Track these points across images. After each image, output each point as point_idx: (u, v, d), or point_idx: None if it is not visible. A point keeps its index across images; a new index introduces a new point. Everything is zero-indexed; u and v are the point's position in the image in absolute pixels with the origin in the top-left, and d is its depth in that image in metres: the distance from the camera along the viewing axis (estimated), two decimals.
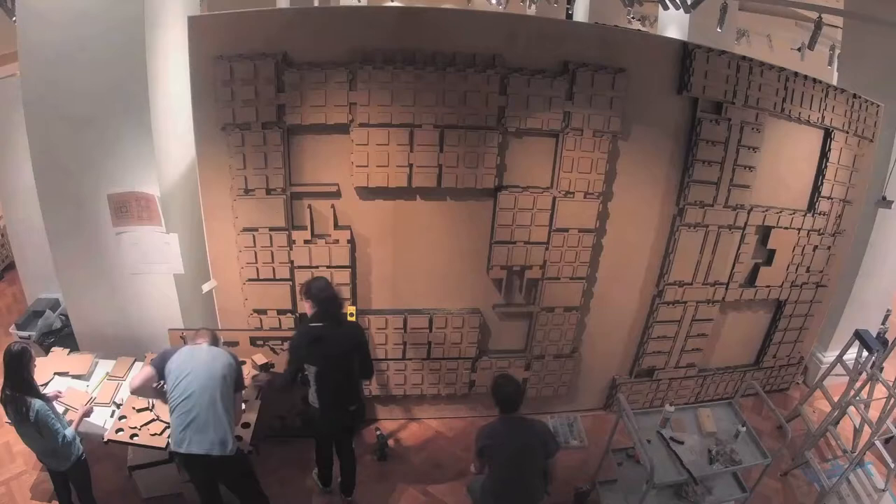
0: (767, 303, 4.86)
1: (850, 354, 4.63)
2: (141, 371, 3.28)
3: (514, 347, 4.54)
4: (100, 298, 4.02)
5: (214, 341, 3.32)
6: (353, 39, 3.46)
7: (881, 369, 4.25)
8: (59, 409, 3.33)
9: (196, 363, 3.11)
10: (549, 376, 4.62)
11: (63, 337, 4.60)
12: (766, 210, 4.40)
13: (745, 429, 3.66)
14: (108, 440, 3.31)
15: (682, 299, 4.51)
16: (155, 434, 3.32)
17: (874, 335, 5.70)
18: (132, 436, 3.31)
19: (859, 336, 4.48)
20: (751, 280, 4.68)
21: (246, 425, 3.47)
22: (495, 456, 3.14)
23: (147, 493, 3.76)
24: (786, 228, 4.50)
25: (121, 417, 3.41)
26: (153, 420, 3.40)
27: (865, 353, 4.41)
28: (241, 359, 3.80)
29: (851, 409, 4.38)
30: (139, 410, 3.45)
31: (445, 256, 4.10)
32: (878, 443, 3.98)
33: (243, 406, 3.49)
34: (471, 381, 4.53)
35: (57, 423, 3.08)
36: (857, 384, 4.34)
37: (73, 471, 3.28)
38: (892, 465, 3.94)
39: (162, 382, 3.20)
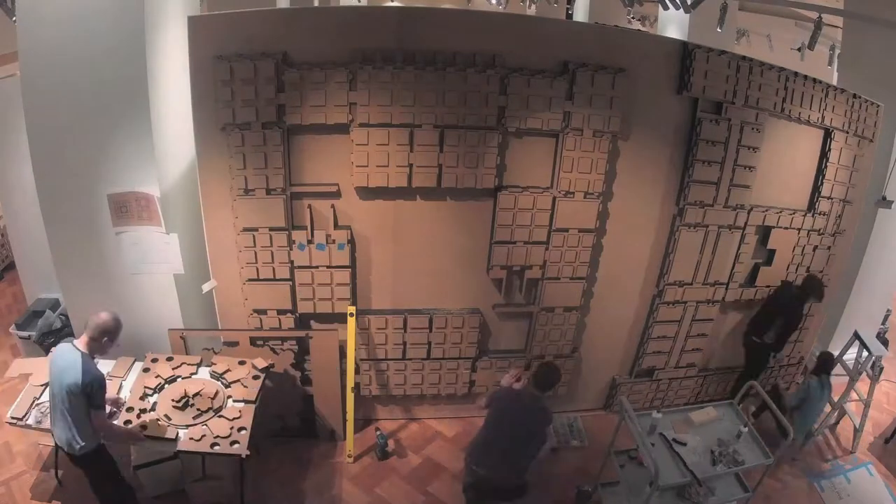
0: None
1: (851, 354, 4.63)
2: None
3: (514, 347, 4.54)
4: (100, 298, 4.01)
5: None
6: (353, 39, 3.46)
7: (881, 369, 4.26)
8: None
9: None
10: None
11: (63, 337, 4.59)
12: (766, 210, 4.40)
13: (746, 429, 3.66)
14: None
15: (682, 299, 4.51)
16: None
17: (874, 335, 5.73)
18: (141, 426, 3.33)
19: (859, 336, 4.48)
20: (751, 280, 4.68)
21: (242, 429, 3.45)
22: (492, 412, 3.42)
23: (153, 492, 3.76)
24: (786, 228, 4.50)
25: (126, 422, 3.40)
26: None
27: (865, 354, 4.41)
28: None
29: (852, 408, 4.39)
30: (140, 411, 3.46)
31: (445, 256, 4.10)
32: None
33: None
34: (471, 381, 4.52)
35: None
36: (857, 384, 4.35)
37: None
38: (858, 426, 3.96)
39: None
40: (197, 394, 3.57)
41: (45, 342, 4.61)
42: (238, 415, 3.51)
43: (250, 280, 3.96)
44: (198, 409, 3.50)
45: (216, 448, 3.32)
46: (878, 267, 5.08)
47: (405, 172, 3.74)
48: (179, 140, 3.89)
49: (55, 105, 3.46)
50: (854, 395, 4.60)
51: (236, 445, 3.35)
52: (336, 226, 3.89)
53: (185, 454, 3.41)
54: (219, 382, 3.73)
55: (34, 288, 5.28)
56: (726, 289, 4.60)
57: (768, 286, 4.69)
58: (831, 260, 4.84)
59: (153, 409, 3.49)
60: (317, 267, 3.95)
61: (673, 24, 7.27)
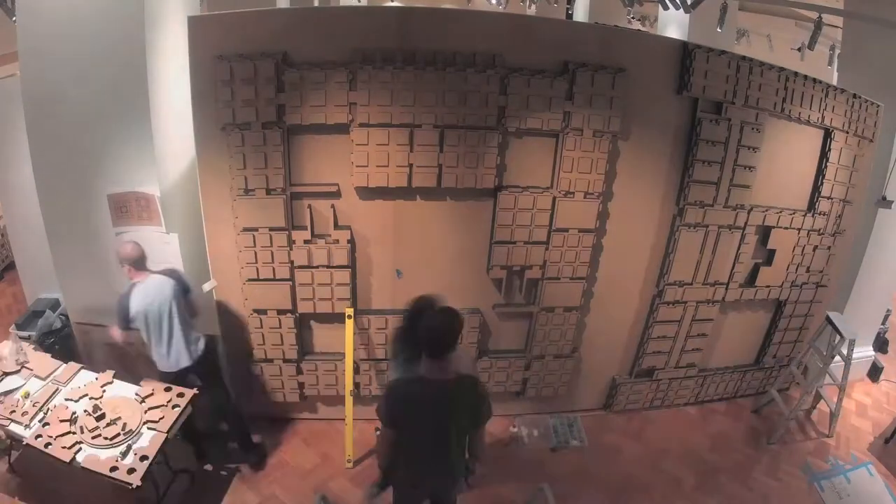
0: (767, 303, 4.86)
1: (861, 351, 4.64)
2: (113, 332, 3.63)
3: (514, 347, 4.53)
4: (100, 298, 4.02)
5: (141, 262, 3.54)
6: (353, 39, 3.46)
7: (881, 369, 4.27)
8: None
9: (150, 298, 3.51)
10: (549, 376, 4.62)
11: (63, 337, 4.59)
12: (766, 210, 4.40)
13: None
14: (27, 443, 3.32)
15: (682, 299, 4.50)
16: (65, 447, 3.26)
17: (874, 335, 5.74)
18: (46, 444, 3.27)
19: (830, 321, 4.51)
20: (751, 280, 4.68)
21: (144, 458, 3.26)
22: (408, 423, 2.65)
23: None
24: (786, 228, 4.50)
25: (44, 424, 3.39)
26: (68, 433, 3.33)
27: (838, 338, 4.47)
28: None
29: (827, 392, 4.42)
30: (62, 421, 3.39)
31: (445, 256, 4.09)
32: None
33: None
34: None
35: None
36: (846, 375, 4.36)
37: None
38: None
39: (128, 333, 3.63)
40: (116, 418, 3.43)
41: (45, 342, 4.60)
42: (146, 443, 3.35)
43: (250, 280, 3.96)
44: (118, 429, 3.37)
45: (115, 472, 3.17)
46: (878, 267, 5.08)
47: (405, 172, 3.74)
48: (179, 140, 3.89)
49: (55, 105, 3.47)
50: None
51: (133, 474, 3.17)
52: (336, 226, 3.89)
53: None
54: (141, 406, 3.55)
55: (34, 288, 5.28)
56: (726, 289, 4.59)
57: (768, 286, 4.70)
58: (831, 260, 4.84)
59: (74, 419, 3.42)
60: (317, 267, 3.95)
61: (673, 24, 7.27)
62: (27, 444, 3.33)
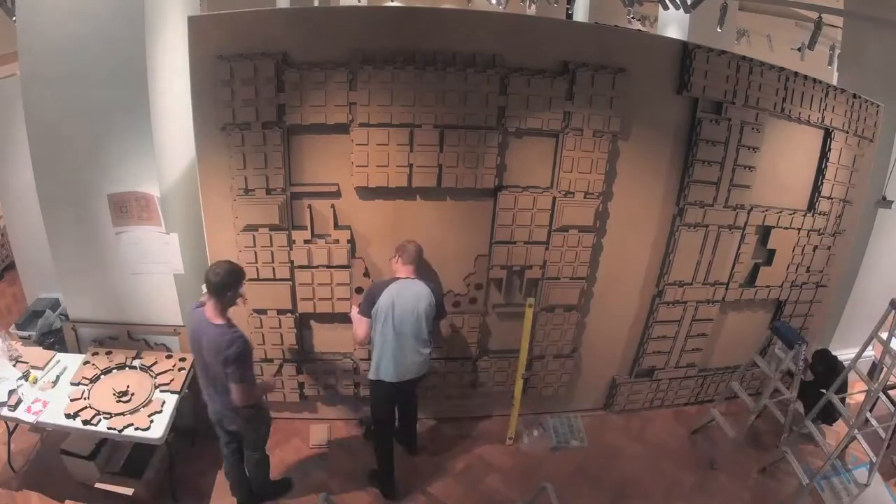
0: (767, 303, 4.86)
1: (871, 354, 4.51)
2: (358, 325, 3.69)
3: (514, 347, 4.53)
4: (100, 298, 4.02)
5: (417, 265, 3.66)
6: (353, 39, 3.46)
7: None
8: None
9: (401, 300, 3.57)
10: (549, 376, 4.62)
11: (63, 337, 4.58)
12: (766, 210, 4.41)
13: None
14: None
15: (682, 299, 4.51)
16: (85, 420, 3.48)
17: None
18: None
19: (776, 331, 4.33)
20: (751, 280, 4.68)
21: (158, 412, 3.57)
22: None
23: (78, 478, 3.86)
24: (786, 228, 4.50)
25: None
26: (85, 408, 3.55)
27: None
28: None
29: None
30: (73, 400, 3.60)
31: (445, 256, 4.09)
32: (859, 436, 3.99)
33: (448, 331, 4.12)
34: (471, 381, 4.52)
35: None
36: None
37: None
38: (874, 459, 4.04)
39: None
40: (125, 391, 3.68)
41: (45, 342, 4.60)
42: (160, 406, 3.62)
43: (250, 280, 3.95)
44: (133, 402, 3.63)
45: (135, 433, 3.46)
46: (878, 267, 5.08)
47: (405, 172, 3.74)
48: (179, 140, 3.88)
49: (55, 105, 3.46)
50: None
51: (150, 432, 3.46)
52: (336, 226, 3.89)
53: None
54: (147, 374, 3.84)
55: (34, 288, 5.28)
56: (726, 289, 4.60)
57: (768, 286, 4.69)
58: (831, 260, 4.84)
59: (87, 397, 3.62)
60: (317, 267, 3.95)
61: (673, 24, 7.27)
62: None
